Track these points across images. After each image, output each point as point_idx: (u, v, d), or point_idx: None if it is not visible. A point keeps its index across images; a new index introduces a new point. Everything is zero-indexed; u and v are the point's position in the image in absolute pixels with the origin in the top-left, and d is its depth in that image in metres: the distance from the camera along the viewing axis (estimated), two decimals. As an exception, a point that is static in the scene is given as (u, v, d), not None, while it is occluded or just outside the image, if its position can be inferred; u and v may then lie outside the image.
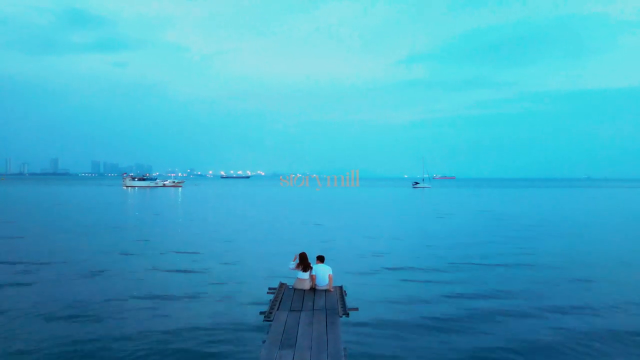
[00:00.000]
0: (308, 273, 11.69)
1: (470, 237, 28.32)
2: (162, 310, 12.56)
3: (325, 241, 26.30)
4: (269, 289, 11.84)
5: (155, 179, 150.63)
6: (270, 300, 10.75)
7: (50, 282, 15.73)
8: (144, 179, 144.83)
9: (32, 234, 28.32)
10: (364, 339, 10.59)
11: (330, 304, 10.36)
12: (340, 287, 11.85)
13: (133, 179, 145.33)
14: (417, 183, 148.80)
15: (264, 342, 8.22)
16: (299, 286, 11.61)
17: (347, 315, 9.74)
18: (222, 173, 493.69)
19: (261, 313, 9.94)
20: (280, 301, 10.51)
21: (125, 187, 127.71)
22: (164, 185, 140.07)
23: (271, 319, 9.33)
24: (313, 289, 11.54)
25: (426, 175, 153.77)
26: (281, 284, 11.87)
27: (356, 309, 10.49)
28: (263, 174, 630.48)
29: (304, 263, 11.74)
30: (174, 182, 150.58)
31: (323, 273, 11.64)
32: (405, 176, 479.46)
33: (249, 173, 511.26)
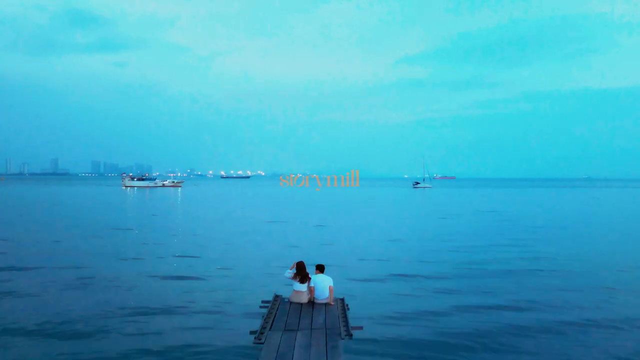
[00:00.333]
0: (306, 285, 10.51)
1: (478, 240, 27.08)
2: (145, 326, 11.33)
3: (326, 244, 25.12)
4: (262, 302, 10.68)
5: (155, 179, 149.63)
6: (263, 316, 9.57)
7: (34, 291, 14.51)
8: (143, 179, 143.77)
9: (24, 236, 27.10)
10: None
11: (330, 322, 9.16)
12: (342, 300, 10.67)
13: (132, 179, 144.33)
14: (417, 183, 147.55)
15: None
16: (296, 299, 10.42)
17: (350, 336, 8.53)
18: (222, 173, 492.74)
19: (251, 333, 8.75)
20: (274, 318, 9.33)
21: (124, 187, 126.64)
22: (163, 185, 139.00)
23: (262, 340, 8.15)
24: (311, 303, 10.38)
25: (426, 175, 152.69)
26: (275, 297, 10.70)
27: (360, 327, 9.29)
28: (263, 174, 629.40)
29: (301, 273, 10.56)
30: (173, 182, 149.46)
31: (323, 285, 10.46)
32: (406, 176, 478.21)
33: (249, 173, 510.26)
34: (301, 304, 10.31)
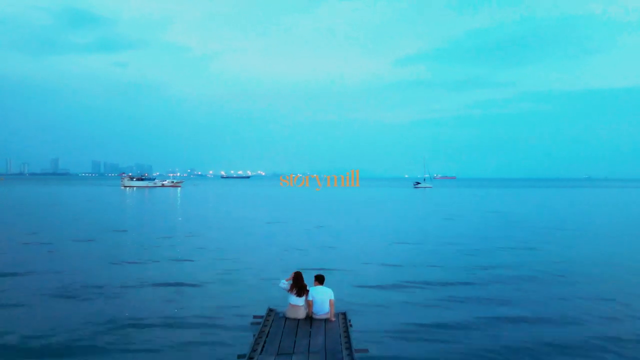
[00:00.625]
0: (303, 298, 9.33)
1: (486, 242, 25.85)
2: (127, 346, 10.18)
3: (328, 247, 23.87)
4: (254, 317, 9.54)
5: (154, 179, 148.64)
6: (254, 335, 8.40)
7: (19, 300, 13.29)
8: (142, 179, 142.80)
9: (14, 239, 25.90)
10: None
11: (331, 343, 7.96)
12: (344, 315, 9.50)
13: (131, 179, 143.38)
14: (418, 183, 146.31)
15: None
16: (292, 315, 9.25)
17: (354, 363, 7.27)
18: (223, 173, 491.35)
19: (239, 357, 7.61)
20: (267, 337, 8.16)
21: (123, 187, 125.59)
22: (163, 185, 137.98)
23: (252, 368, 7.04)
24: (309, 318, 9.23)
25: (427, 175, 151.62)
26: (269, 311, 9.54)
27: (365, 350, 8.13)
28: (263, 174, 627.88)
29: (298, 285, 9.38)
30: (172, 182, 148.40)
31: (322, 298, 9.28)
32: (406, 176, 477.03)
33: (249, 173, 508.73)
34: (298, 319, 9.15)
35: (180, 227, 33.19)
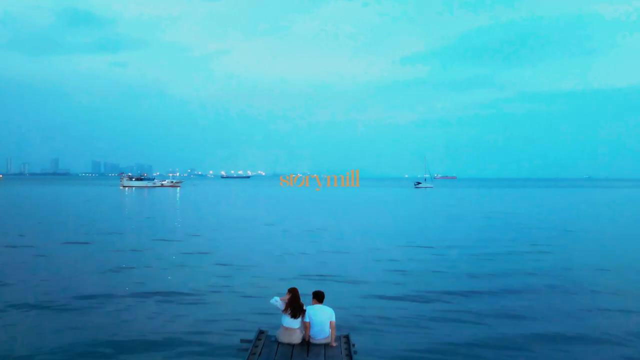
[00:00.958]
0: (299, 320, 7.98)
1: (497, 245, 24.39)
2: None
3: (331, 251, 22.46)
4: (242, 341, 8.27)
5: (153, 179, 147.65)
6: (241, 365, 7.16)
7: None
8: (141, 179, 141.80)
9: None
10: None
11: (331, 376, 6.74)
12: (347, 339, 8.19)
13: (130, 178, 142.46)
14: (419, 183, 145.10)
15: None
16: (286, 339, 7.93)
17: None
18: (223, 173, 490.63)
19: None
20: (256, 369, 6.92)
21: (122, 187, 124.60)
22: (162, 185, 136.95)
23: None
24: (306, 343, 7.93)
25: (427, 175, 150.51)
26: (260, 334, 8.26)
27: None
28: (263, 174, 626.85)
29: (294, 305, 8.03)
30: (172, 182, 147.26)
31: (322, 319, 7.94)
32: (406, 176, 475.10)
33: (249, 173, 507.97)
34: (292, 345, 7.85)
35: (175, 230, 31.90)
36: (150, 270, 17.87)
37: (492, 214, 45.63)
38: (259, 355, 7.43)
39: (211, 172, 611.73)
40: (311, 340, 7.97)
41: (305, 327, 8.02)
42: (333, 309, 8.14)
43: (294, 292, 8.23)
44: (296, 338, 7.93)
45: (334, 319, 8.02)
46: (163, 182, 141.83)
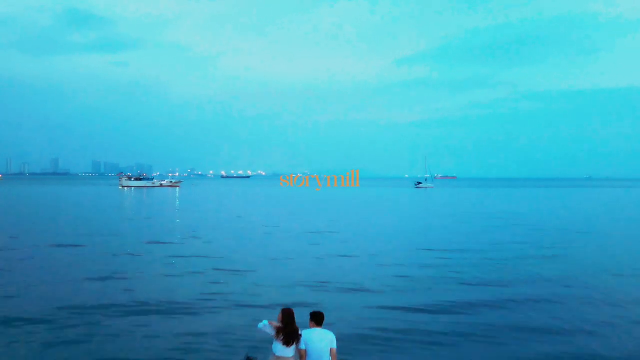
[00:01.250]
0: (294, 347, 6.74)
1: (510, 249, 23.25)
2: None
3: (335, 255, 21.46)
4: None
5: (152, 179, 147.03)
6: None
7: None
8: (140, 179, 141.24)
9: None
10: None
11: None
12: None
13: (129, 178, 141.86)
14: (420, 183, 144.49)
15: None
16: (279, 371, 6.75)
17: None
18: (223, 173, 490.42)
19: None
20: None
21: (121, 188, 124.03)
22: (161, 186, 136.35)
23: None
24: (304, 373, 6.74)
25: (428, 175, 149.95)
26: None
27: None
28: (264, 174, 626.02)
29: (287, 330, 6.74)
30: (171, 182, 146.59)
31: (320, 346, 6.68)
32: (406, 176, 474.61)
33: (249, 173, 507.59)
34: (287, 375, 6.76)
35: (171, 231, 30.87)
36: (138, 277, 16.84)
37: (497, 215, 44.81)
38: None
39: (211, 172, 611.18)
40: (310, 370, 6.87)
41: (301, 355, 6.76)
42: (334, 334, 6.94)
43: (287, 314, 6.86)
44: (291, 369, 6.80)
45: (335, 346, 6.81)
46: (162, 182, 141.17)
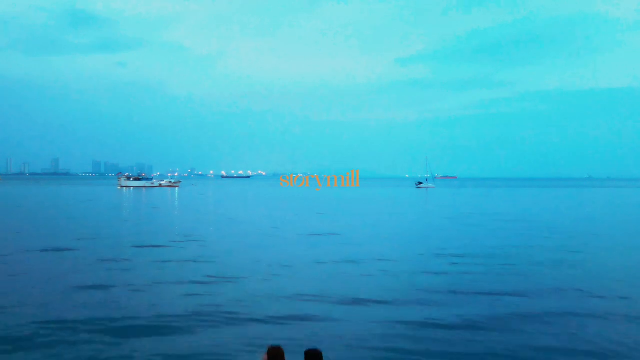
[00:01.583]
0: None
1: (528, 255, 21.70)
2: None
3: (334, 261, 19.88)
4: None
5: (152, 179, 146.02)
6: None
7: None
8: (139, 179, 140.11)
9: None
10: None
11: None
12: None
13: (128, 178, 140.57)
14: (421, 183, 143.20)
15: None
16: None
17: None
18: (223, 173, 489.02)
19: None
20: None
21: (120, 188, 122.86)
22: (160, 186, 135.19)
23: None
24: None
25: (429, 175, 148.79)
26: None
27: None
28: (264, 173, 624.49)
29: None
30: (170, 182, 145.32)
31: None
32: (407, 176, 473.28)
33: (249, 173, 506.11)
34: None
35: (164, 233, 29.09)
36: (123, 287, 15.30)
37: (504, 217, 43.28)
38: None
39: (211, 172, 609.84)
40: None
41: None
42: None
43: (275, 355, 5.32)
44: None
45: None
46: (161, 182, 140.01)
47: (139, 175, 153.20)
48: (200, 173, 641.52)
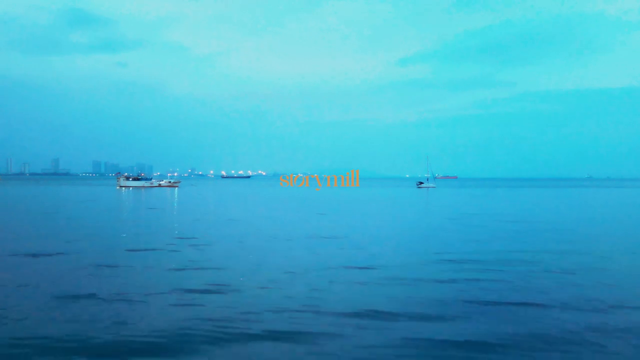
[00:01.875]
0: None
1: (541, 260, 20.65)
2: None
3: (336, 267, 18.78)
4: None
5: (151, 179, 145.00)
6: None
7: None
8: (138, 179, 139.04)
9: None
10: None
11: None
12: None
13: (127, 178, 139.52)
14: (421, 183, 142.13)
15: None
16: None
17: None
18: (223, 173, 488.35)
19: None
20: None
21: (119, 188, 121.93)
22: (160, 186, 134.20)
23: None
24: None
25: (429, 175, 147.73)
26: None
27: None
28: (264, 173, 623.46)
29: None
30: (169, 182, 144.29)
31: None
32: (407, 176, 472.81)
33: (249, 173, 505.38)
34: None
35: (159, 236, 27.92)
36: (109, 299, 14.08)
37: (509, 217, 42.11)
38: None
39: (211, 172, 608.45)
40: None
41: None
42: None
43: None
44: None
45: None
46: (160, 182, 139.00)
47: (139, 175, 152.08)
48: (200, 173, 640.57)
